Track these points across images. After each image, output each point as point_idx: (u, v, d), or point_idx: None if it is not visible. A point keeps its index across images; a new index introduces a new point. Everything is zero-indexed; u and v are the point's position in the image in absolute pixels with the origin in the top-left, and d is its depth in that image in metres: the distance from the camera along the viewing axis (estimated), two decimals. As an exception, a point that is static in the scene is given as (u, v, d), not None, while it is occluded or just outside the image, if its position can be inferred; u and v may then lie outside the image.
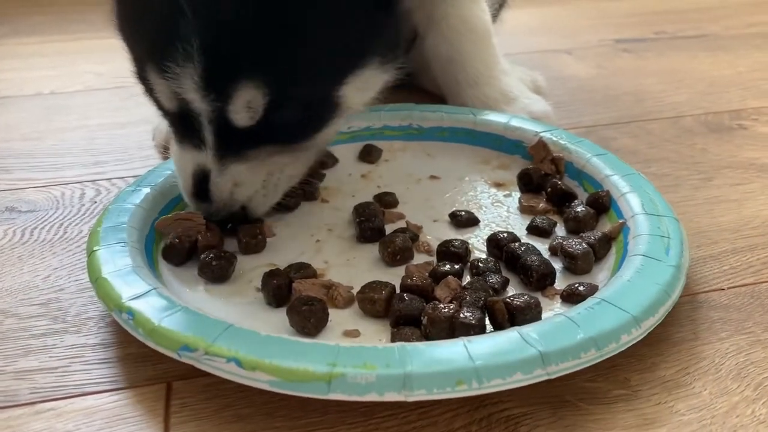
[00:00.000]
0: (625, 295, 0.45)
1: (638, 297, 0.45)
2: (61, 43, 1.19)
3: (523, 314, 0.46)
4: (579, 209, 0.59)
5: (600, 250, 0.54)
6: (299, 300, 0.47)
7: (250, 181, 0.55)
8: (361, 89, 0.56)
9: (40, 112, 0.91)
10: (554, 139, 0.68)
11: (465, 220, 0.61)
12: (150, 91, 0.53)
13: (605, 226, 0.58)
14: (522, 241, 0.56)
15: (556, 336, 0.41)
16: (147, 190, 0.60)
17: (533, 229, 0.59)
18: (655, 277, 0.47)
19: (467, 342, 0.40)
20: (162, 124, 0.75)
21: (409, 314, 0.47)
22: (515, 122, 0.72)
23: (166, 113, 0.55)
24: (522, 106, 0.79)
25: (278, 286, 0.50)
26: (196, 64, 0.47)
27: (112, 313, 0.45)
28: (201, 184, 0.54)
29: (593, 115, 0.86)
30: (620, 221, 0.56)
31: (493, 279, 0.51)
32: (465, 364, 0.39)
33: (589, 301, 0.45)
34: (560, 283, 0.52)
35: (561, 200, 0.62)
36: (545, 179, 0.65)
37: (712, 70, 1.03)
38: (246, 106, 0.50)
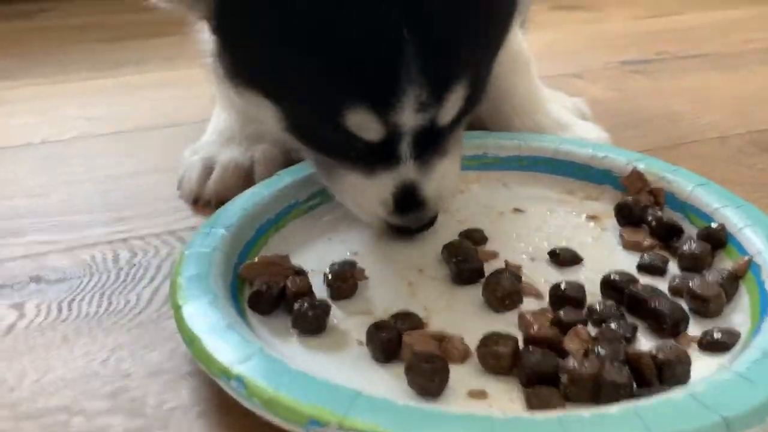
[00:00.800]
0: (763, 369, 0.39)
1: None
2: (37, 87, 1.09)
3: (673, 369, 0.41)
4: (694, 245, 0.54)
5: (729, 289, 0.50)
6: (418, 357, 0.43)
7: (452, 171, 0.56)
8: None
9: (36, 164, 0.82)
10: (648, 168, 0.64)
11: (567, 259, 0.56)
12: (342, 132, 0.50)
13: (723, 262, 0.54)
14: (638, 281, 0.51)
15: (734, 397, 0.36)
16: (222, 231, 0.55)
17: (645, 268, 0.54)
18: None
19: (636, 409, 0.35)
20: (191, 173, 0.70)
21: (542, 371, 0.42)
22: (601, 150, 0.68)
23: (352, 150, 0.52)
24: (578, 133, 0.76)
25: (388, 340, 0.45)
26: (420, 87, 0.47)
27: (218, 381, 0.40)
28: (404, 198, 0.54)
29: (635, 140, 0.82)
30: (745, 258, 0.51)
31: (620, 326, 0.46)
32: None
33: (753, 353, 0.40)
34: (692, 329, 0.47)
35: (667, 235, 0.58)
36: (645, 211, 0.60)
37: (731, 88, 1.01)
38: (453, 107, 0.51)
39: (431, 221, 0.57)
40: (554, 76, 0.91)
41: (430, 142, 0.52)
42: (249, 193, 0.62)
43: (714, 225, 0.56)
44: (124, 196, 0.73)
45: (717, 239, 0.55)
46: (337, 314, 0.51)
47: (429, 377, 0.41)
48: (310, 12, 0.47)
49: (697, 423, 0.34)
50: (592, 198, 0.66)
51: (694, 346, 0.46)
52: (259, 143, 0.71)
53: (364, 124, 0.49)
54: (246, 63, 0.54)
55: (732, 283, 0.50)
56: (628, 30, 1.41)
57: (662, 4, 1.57)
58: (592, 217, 0.63)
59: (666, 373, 0.41)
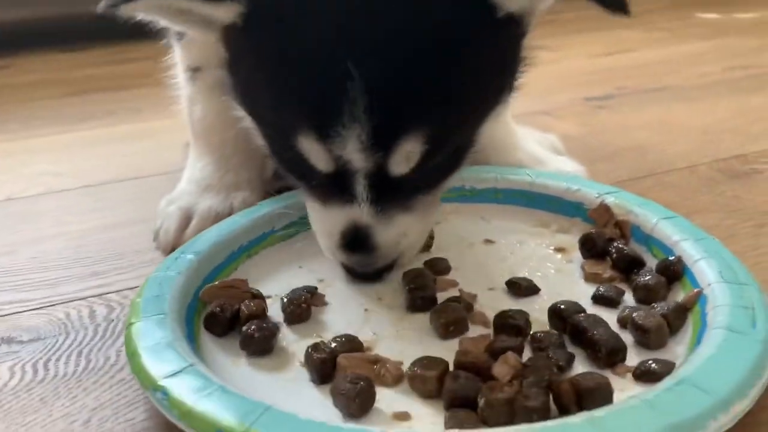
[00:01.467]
0: (708, 375, 0.40)
1: (724, 377, 0.40)
2: (1, 144, 1.07)
3: (593, 396, 0.41)
4: (649, 277, 0.54)
5: (674, 321, 0.50)
6: (343, 378, 0.44)
7: (415, 230, 0.56)
8: (492, 121, 0.57)
9: (2, 223, 0.79)
10: (617, 201, 0.64)
11: (524, 289, 0.57)
12: (298, 157, 0.52)
13: (678, 295, 0.53)
14: (587, 312, 0.51)
15: (631, 423, 0.36)
16: (191, 257, 0.58)
17: (599, 299, 0.55)
18: (742, 354, 0.42)
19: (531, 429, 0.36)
20: (170, 223, 0.69)
21: (464, 395, 0.43)
22: (575, 183, 0.68)
23: (311, 176, 0.54)
24: (554, 167, 0.77)
25: (322, 361, 0.47)
26: (363, 124, 0.47)
27: (148, 393, 0.43)
28: (354, 238, 0.54)
29: (606, 174, 0.82)
30: (696, 290, 0.51)
31: (557, 355, 0.47)
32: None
33: (668, 382, 0.40)
34: (631, 359, 0.47)
35: (628, 267, 0.58)
36: (609, 244, 0.60)
37: (694, 119, 1.03)
38: (406, 157, 0.50)
39: (380, 271, 0.57)
40: (524, 114, 0.92)
41: (389, 191, 0.52)
42: (227, 221, 0.65)
43: (671, 258, 0.56)
44: (97, 251, 0.70)
45: (673, 272, 0.55)
46: (289, 337, 0.53)
47: (350, 397, 0.43)
48: (277, 42, 0.49)
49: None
50: (563, 231, 0.67)
51: (630, 376, 0.46)
52: (238, 191, 0.72)
53: (313, 153, 0.50)
54: (241, 88, 0.56)
55: (679, 315, 0.50)
56: (588, 67, 1.43)
57: (618, 42, 1.60)
58: (560, 249, 0.64)
59: (586, 400, 0.41)
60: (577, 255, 0.62)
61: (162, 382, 0.42)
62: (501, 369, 0.44)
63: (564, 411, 0.41)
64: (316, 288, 0.58)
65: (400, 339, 0.52)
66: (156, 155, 0.96)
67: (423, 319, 0.54)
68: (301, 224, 0.67)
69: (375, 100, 0.47)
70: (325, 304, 0.57)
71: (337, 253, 0.56)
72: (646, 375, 0.45)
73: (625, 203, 0.64)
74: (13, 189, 0.89)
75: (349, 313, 0.56)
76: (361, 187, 0.51)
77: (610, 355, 0.46)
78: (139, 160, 0.96)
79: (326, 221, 0.55)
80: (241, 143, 0.70)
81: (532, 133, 0.85)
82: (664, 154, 0.89)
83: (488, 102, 0.55)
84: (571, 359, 0.47)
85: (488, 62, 0.53)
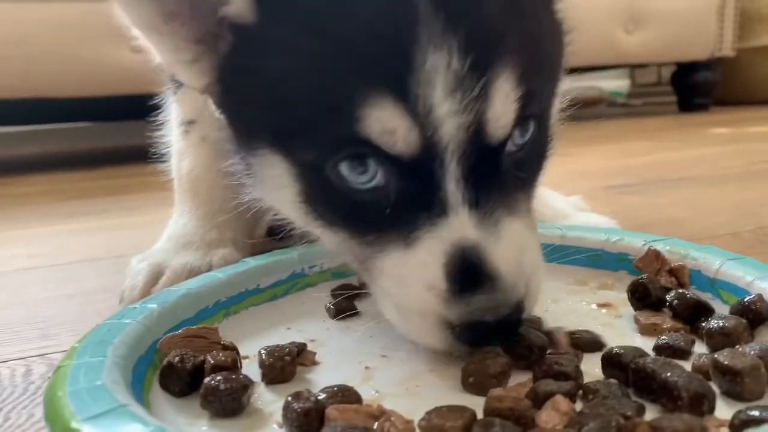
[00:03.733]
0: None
1: None
2: None
3: (682, 444, 0.29)
4: (724, 321, 0.43)
5: (772, 365, 0.38)
6: (332, 428, 0.32)
7: (530, 242, 0.42)
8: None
9: None
10: (669, 248, 0.54)
11: (585, 343, 0.45)
12: (367, 169, 0.40)
13: (765, 339, 0.42)
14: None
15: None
16: (153, 306, 0.47)
17: (664, 349, 0.43)
18: None
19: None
20: (138, 279, 0.61)
21: (498, 446, 0.30)
22: (614, 234, 0.58)
23: (381, 196, 0.41)
24: (582, 221, 0.70)
25: (305, 413, 0.35)
26: (452, 66, 0.37)
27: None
28: (464, 270, 0.39)
29: None
30: (792, 328, 0.40)
31: (622, 404, 0.34)
32: None
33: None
34: (722, 412, 0.35)
35: (693, 316, 0.46)
36: (665, 293, 0.49)
37: (723, 199, 0.98)
38: (503, 107, 0.39)
39: (516, 313, 0.39)
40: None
41: (487, 182, 0.39)
42: (205, 275, 0.55)
43: (750, 297, 0.44)
44: (57, 316, 0.64)
45: (755, 312, 0.43)
46: (265, 397, 0.41)
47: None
48: (314, 14, 0.39)
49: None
50: (606, 287, 0.56)
51: (725, 431, 0.33)
52: (219, 248, 0.64)
53: (389, 123, 0.37)
54: (252, 112, 0.46)
55: (776, 357, 0.38)
56: (607, 165, 1.40)
57: (632, 149, 1.60)
58: (604, 305, 0.52)
59: (674, 450, 0.29)
60: (626, 310, 0.51)
61: (75, 425, 0.30)
62: (550, 416, 0.32)
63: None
64: (305, 345, 0.46)
65: (410, 396, 0.40)
66: (137, 241, 0.85)
67: (444, 374, 0.42)
68: (290, 283, 0.57)
69: (461, 37, 0.37)
70: (315, 363, 0.45)
71: (448, 308, 0.39)
72: (748, 425, 0.33)
73: (679, 248, 0.53)
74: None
75: (345, 371, 0.44)
76: (454, 178, 0.39)
77: (694, 402, 0.34)
78: (117, 244, 0.90)
79: (416, 267, 0.39)
80: (229, 200, 0.62)
81: (556, 194, 0.77)
82: (701, 224, 0.82)
83: (557, 69, 0.48)
84: (641, 409, 0.35)
85: (557, 31, 0.48)
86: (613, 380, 0.38)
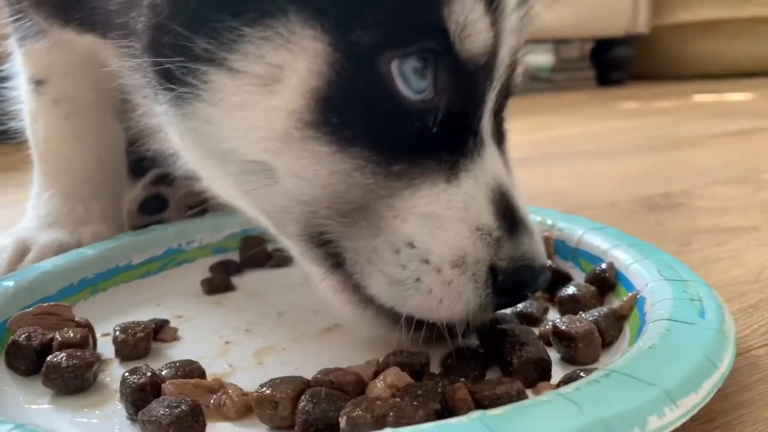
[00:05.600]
0: (646, 365, 0.29)
1: (668, 366, 0.29)
2: None
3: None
4: (574, 288, 0.44)
5: (608, 331, 0.39)
6: (158, 403, 0.32)
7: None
8: None
9: None
10: (540, 218, 0.55)
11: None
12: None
13: (613, 305, 0.43)
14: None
15: (540, 422, 0.25)
16: (9, 284, 0.46)
17: (520, 317, 0.44)
18: (691, 343, 0.31)
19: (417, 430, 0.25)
20: (2, 254, 0.56)
21: (322, 417, 0.31)
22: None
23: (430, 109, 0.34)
24: None
25: (140, 388, 0.34)
26: None
27: None
28: (505, 212, 0.35)
29: None
30: (631, 293, 0.41)
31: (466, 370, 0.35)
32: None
33: (594, 375, 0.29)
34: (559, 378, 0.36)
35: (552, 285, 0.47)
36: (530, 262, 0.50)
37: (613, 170, 1.01)
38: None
39: (546, 269, 0.37)
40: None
41: (501, 115, 0.39)
42: (73, 252, 0.54)
43: (601, 266, 0.46)
44: None
45: (605, 280, 0.45)
46: (117, 374, 0.40)
47: (162, 427, 0.30)
48: None
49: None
50: (480, 258, 0.57)
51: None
52: (89, 225, 0.59)
53: (473, 14, 0.33)
54: None
55: (613, 323, 0.40)
56: (510, 140, 1.42)
57: (542, 123, 1.61)
58: (474, 275, 0.53)
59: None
60: (494, 280, 0.52)
61: None
62: (378, 387, 0.33)
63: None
64: (167, 321, 0.46)
65: (260, 370, 0.40)
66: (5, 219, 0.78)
67: (295, 349, 0.42)
68: (166, 259, 0.56)
69: None
70: (176, 339, 0.45)
71: (501, 248, 0.34)
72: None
73: (547, 219, 0.54)
74: None
75: (204, 347, 0.44)
76: (490, 108, 0.36)
77: (523, 368, 0.35)
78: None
79: (461, 202, 0.34)
80: (94, 169, 0.59)
81: None
82: (584, 195, 0.85)
83: None
84: (481, 376, 0.36)
85: None
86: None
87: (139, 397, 0.34)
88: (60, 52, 0.55)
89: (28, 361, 0.39)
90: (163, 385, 0.34)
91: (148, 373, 0.35)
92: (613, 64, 2.57)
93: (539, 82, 3.14)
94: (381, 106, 0.33)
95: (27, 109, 0.59)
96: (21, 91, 0.59)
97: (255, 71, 0.33)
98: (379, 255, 0.34)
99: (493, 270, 0.33)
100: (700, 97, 2.01)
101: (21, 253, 0.56)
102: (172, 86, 0.35)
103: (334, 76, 0.33)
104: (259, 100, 0.34)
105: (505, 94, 0.38)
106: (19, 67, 0.59)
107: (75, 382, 0.37)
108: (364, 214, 0.34)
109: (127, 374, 0.35)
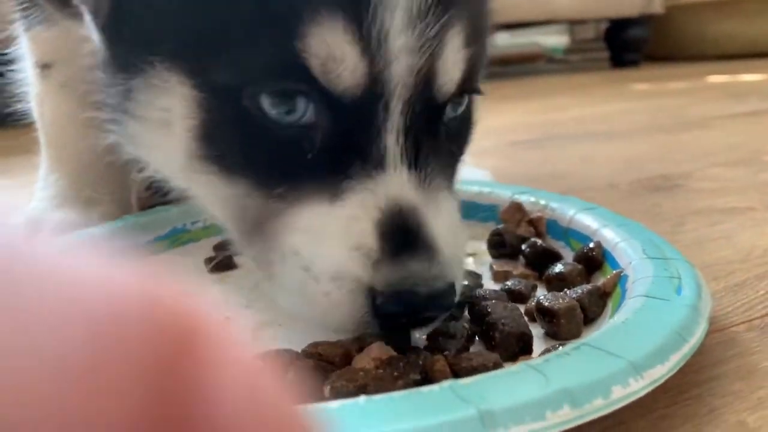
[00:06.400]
0: (616, 338, 0.31)
1: (638, 340, 0.30)
2: None
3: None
4: (561, 266, 0.46)
5: (591, 307, 0.40)
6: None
7: (459, 222, 0.38)
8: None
9: None
10: (532, 198, 0.56)
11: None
12: (285, 96, 0.34)
13: (599, 283, 0.45)
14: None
15: (507, 390, 0.26)
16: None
17: (508, 294, 0.45)
18: (663, 318, 0.33)
19: (365, 403, 0.26)
20: (33, 216, 0.58)
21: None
22: (487, 186, 0.61)
23: (311, 132, 0.34)
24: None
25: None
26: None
27: None
28: (395, 232, 0.33)
29: None
30: (615, 271, 0.43)
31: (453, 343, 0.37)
32: None
33: (566, 347, 0.31)
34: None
35: (543, 263, 0.49)
36: (521, 242, 0.52)
37: (615, 152, 1.02)
38: (454, 58, 0.35)
39: (450, 294, 0.34)
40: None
41: (428, 138, 0.35)
42: (81, 231, 0.55)
43: (589, 245, 0.47)
44: None
45: (592, 259, 0.46)
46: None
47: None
48: None
49: (445, 416, 0.25)
50: (476, 237, 0.58)
51: (533, 366, 0.36)
52: (97, 206, 0.60)
53: (336, 49, 0.32)
54: (154, 18, 0.37)
55: (596, 300, 0.41)
56: (521, 122, 1.42)
57: (554, 105, 1.62)
58: (470, 254, 0.55)
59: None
60: (489, 259, 0.53)
61: None
62: (363, 359, 0.34)
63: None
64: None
65: (258, 343, 0.42)
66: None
67: (298, 323, 0.44)
68: (170, 239, 0.58)
69: None
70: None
71: (379, 271, 0.33)
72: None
73: (540, 200, 0.56)
74: None
75: (204, 321, 0.45)
76: (396, 129, 0.33)
77: (505, 342, 0.37)
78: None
79: (342, 219, 0.34)
80: (101, 151, 0.61)
81: None
82: (583, 177, 0.86)
83: (485, 50, 0.43)
84: (463, 349, 0.37)
85: (487, 11, 0.43)
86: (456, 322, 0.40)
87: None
88: (67, 37, 0.56)
89: None
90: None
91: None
92: (627, 44, 2.55)
93: (553, 64, 3.13)
94: (255, 137, 0.34)
95: (34, 93, 0.61)
96: (27, 74, 0.61)
97: (151, 116, 0.37)
98: (273, 266, 0.36)
99: (373, 291, 0.33)
100: (714, 78, 2.00)
101: (33, 231, 0.58)
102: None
103: (205, 114, 0.35)
104: (161, 141, 0.38)
105: (425, 110, 0.35)
106: (26, 51, 0.60)
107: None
108: (260, 230, 0.36)
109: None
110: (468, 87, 0.38)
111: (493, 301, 0.40)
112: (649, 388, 0.28)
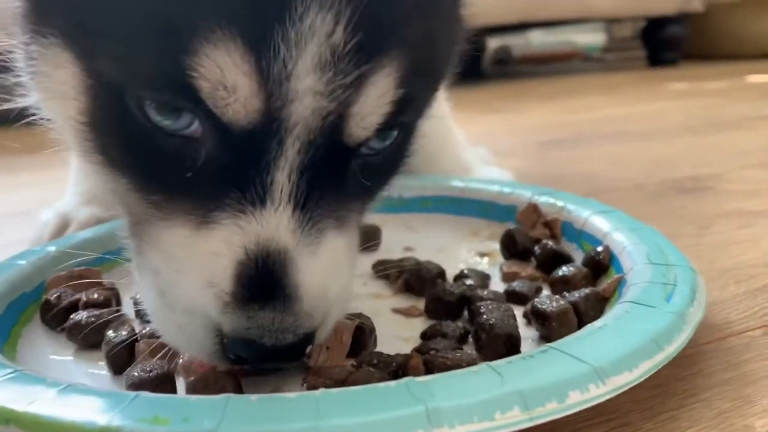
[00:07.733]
0: (586, 344, 0.32)
1: (607, 346, 0.31)
2: None
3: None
4: (566, 269, 0.46)
5: (587, 311, 0.41)
6: (136, 367, 0.35)
7: (345, 269, 0.35)
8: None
9: None
10: (552, 201, 0.56)
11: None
12: (169, 110, 0.31)
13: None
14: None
15: (461, 389, 0.28)
16: (50, 248, 0.51)
17: (510, 295, 0.46)
18: (642, 325, 0.33)
19: (320, 395, 0.28)
20: (46, 228, 0.60)
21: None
22: (508, 187, 0.61)
23: (192, 153, 0.31)
24: (481, 175, 0.72)
25: (117, 343, 0.38)
26: (335, 37, 0.29)
27: None
28: (261, 277, 0.31)
29: None
30: (616, 276, 0.43)
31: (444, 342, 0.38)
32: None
33: (533, 351, 0.32)
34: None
35: (553, 265, 0.49)
36: (534, 243, 0.52)
37: (643, 152, 1.01)
38: (377, 100, 0.32)
39: (301, 345, 0.32)
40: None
41: (328, 179, 0.32)
42: (108, 224, 0.57)
43: (598, 248, 0.48)
44: None
45: (599, 263, 0.47)
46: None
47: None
48: None
49: (395, 412, 0.27)
50: (494, 237, 0.58)
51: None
52: None
53: (229, 76, 0.29)
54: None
55: (593, 304, 0.41)
56: (548, 122, 1.41)
57: (585, 105, 1.61)
58: (485, 254, 0.56)
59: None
60: (502, 259, 0.54)
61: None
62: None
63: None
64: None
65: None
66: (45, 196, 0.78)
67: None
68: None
69: (356, 8, 0.29)
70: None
71: (226, 314, 0.31)
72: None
73: (558, 201, 0.56)
74: None
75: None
76: (289, 167, 0.31)
77: (492, 343, 0.37)
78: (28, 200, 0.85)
79: (202, 252, 0.31)
80: None
81: (464, 144, 0.80)
82: (611, 177, 0.85)
83: (442, 77, 0.41)
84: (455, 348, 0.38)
85: (453, 35, 0.40)
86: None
87: (118, 356, 0.38)
88: None
89: (59, 319, 0.44)
90: (137, 344, 0.38)
91: (126, 332, 0.39)
92: (665, 43, 2.51)
93: (589, 63, 3.09)
94: (138, 137, 0.31)
95: None
96: None
97: (50, 86, 0.35)
98: (142, 274, 0.34)
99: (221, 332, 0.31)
100: (752, 78, 1.96)
101: (62, 226, 0.61)
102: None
103: (90, 102, 0.33)
104: (61, 110, 0.35)
105: (331, 152, 0.32)
106: None
107: (93, 338, 0.41)
108: (137, 232, 0.34)
109: (110, 332, 0.39)
110: (400, 122, 0.35)
111: (489, 302, 0.40)
112: (612, 395, 0.29)
